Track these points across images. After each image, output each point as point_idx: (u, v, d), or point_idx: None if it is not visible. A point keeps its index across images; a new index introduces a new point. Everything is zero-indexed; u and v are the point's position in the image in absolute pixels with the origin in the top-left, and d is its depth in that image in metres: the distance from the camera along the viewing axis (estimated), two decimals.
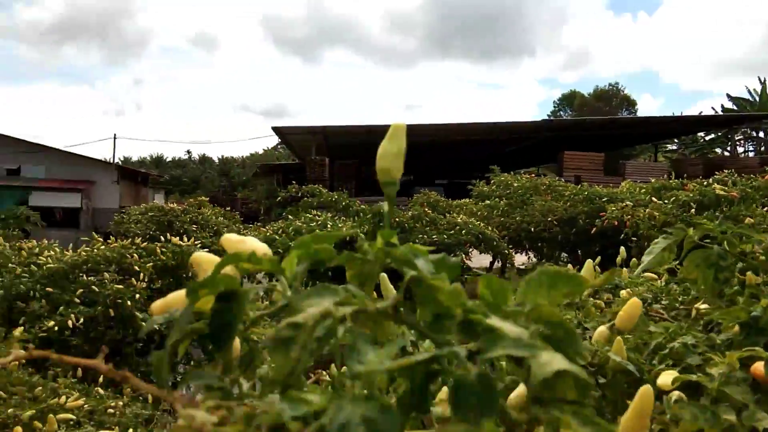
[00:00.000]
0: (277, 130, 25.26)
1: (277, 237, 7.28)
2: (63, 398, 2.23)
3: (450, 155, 27.90)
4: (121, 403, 2.71)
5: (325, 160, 23.85)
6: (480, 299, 0.46)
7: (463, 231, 7.45)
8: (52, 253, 4.86)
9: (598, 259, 1.87)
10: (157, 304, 0.55)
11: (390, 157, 0.53)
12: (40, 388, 2.19)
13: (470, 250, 7.61)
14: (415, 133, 24.04)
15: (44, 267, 4.53)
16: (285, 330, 0.37)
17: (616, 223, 7.32)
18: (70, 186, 24.87)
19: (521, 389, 0.55)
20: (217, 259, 0.57)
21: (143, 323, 4.46)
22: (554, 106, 51.96)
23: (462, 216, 8.42)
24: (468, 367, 0.35)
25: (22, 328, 3.06)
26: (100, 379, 3.13)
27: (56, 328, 4.08)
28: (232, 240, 0.59)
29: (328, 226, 7.41)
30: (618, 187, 10.59)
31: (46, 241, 5.64)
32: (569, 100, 50.38)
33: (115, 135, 43.64)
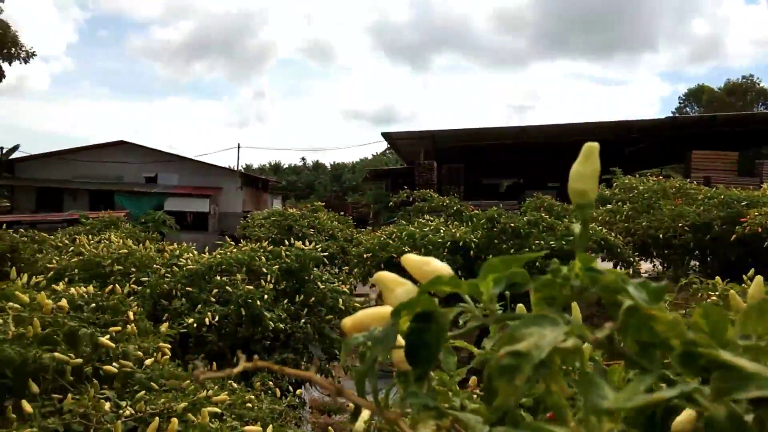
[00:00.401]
0: (386, 136, 25.72)
1: (390, 242, 7.40)
2: (209, 392, 2.40)
3: (563, 157, 26.86)
4: (253, 396, 2.87)
5: (433, 164, 23.88)
6: (694, 329, 0.44)
7: None
8: (191, 255, 5.28)
9: (752, 271, 1.71)
10: (349, 322, 0.57)
11: (585, 178, 0.51)
12: (189, 381, 2.38)
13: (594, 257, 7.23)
14: (526, 134, 23.40)
15: (184, 268, 4.93)
16: (508, 358, 0.38)
17: (759, 229, 6.65)
18: (199, 192, 26.96)
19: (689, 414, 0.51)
20: (399, 279, 0.59)
21: (270, 322, 4.71)
22: (679, 103, 48.29)
23: None
24: (714, 407, 0.33)
25: (167, 324, 3.34)
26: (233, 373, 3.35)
27: (195, 325, 4.43)
28: (414, 260, 0.60)
29: (441, 231, 7.40)
30: (757, 189, 9.62)
31: (183, 244, 6.15)
32: (696, 95, 46.57)
33: (239, 144, 46.62)
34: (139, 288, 4.68)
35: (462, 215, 9.32)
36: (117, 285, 3.38)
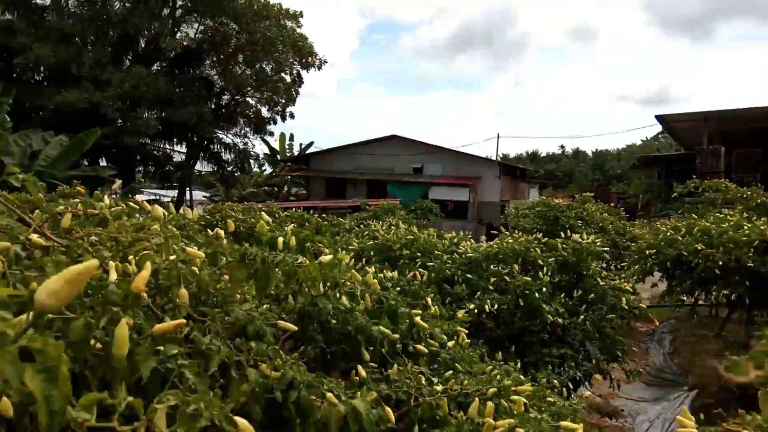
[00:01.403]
0: (660, 119, 23.12)
1: (678, 237, 6.62)
2: (509, 381, 2.43)
3: None
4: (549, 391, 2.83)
5: (720, 149, 20.67)
6: None
7: None
8: (469, 243, 5.48)
9: None
10: None
11: None
12: (495, 370, 2.45)
13: None
14: None
15: (464, 255, 5.14)
16: None
17: None
18: (460, 182, 28.01)
19: None
20: None
21: (549, 315, 4.62)
22: None
23: None
24: None
25: (462, 311, 3.50)
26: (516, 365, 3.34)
27: (475, 311, 4.58)
28: None
29: (745, 227, 6.34)
30: None
31: (452, 233, 6.43)
32: None
33: (498, 134, 47.16)
34: (425, 272, 5.02)
35: None
36: (416, 272, 3.65)
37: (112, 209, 2.08)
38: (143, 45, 24.33)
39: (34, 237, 1.38)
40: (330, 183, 30.64)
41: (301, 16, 25.44)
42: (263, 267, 1.96)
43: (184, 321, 0.91)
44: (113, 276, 1.16)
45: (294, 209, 8.83)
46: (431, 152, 29.57)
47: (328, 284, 2.26)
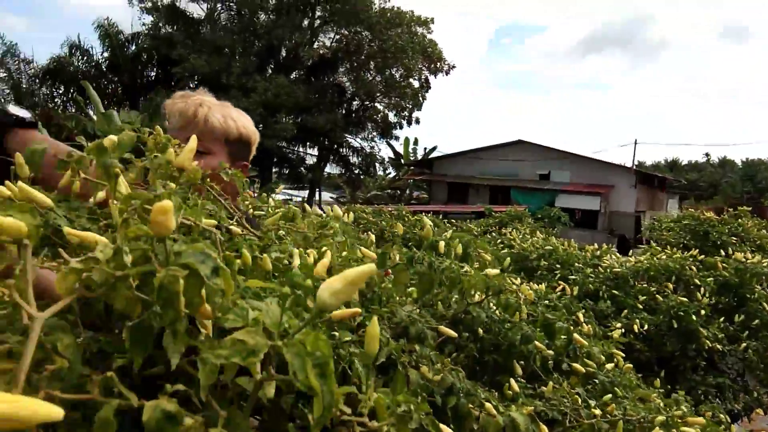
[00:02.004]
0: None
1: None
2: (681, 411, 2.27)
3: None
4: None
5: None
6: None
7: None
8: (613, 257, 5.20)
9: None
10: None
11: None
12: (659, 399, 2.30)
13: None
14: None
15: (609, 270, 4.88)
16: None
17: None
18: (590, 189, 26.66)
19: None
20: None
21: (707, 341, 4.26)
22: None
23: None
24: None
25: (618, 331, 3.33)
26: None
27: (622, 330, 4.32)
28: None
29: None
30: None
31: (593, 245, 6.11)
32: None
33: (635, 140, 44.23)
34: (565, 285, 4.84)
35: None
36: (563, 285, 3.53)
37: (280, 209, 2.23)
38: (284, 54, 25.94)
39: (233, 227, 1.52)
40: (452, 187, 30.58)
41: (432, 23, 25.69)
42: (429, 272, 2.00)
43: (359, 310, 0.96)
44: (296, 262, 1.24)
45: (423, 213, 8.92)
46: (559, 158, 28.44)
47: (490, 293, 2.25)
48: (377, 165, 32.16)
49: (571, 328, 2.50)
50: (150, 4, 25.25)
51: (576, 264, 5.31)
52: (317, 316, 0.63)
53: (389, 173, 37.26)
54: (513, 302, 2.47)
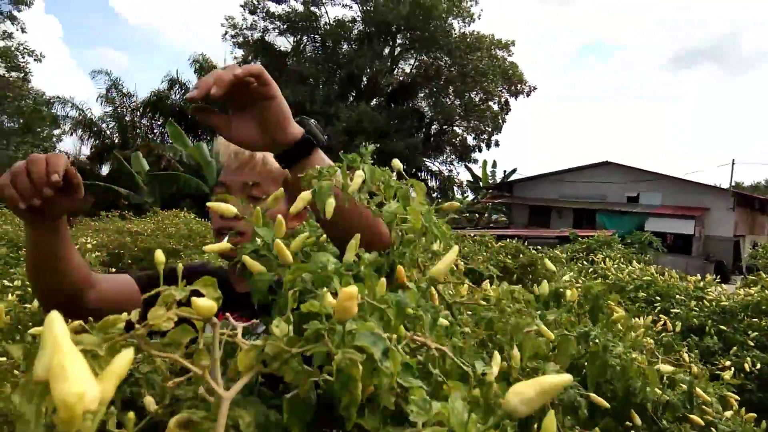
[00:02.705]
0: None
1: None
2: None
3: None
4: None
5: None
6: None
7: None
8: (720, 289, 4.86)
9: None
10: None
11: None
12: None
13: None
14: None
15: (714, 303, 4.56)
16: None
17: None
18: (683, 212, 25.16)
19: None
20: None
21: None
22: None
23: None
24: None
25: (729, 372, 3.09)
26: None
27: (731, 369, 4.01)
28: None
29: None
30: None
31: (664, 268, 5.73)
32: None
33: (732, 161, 41.36)
34: (666, 320, 4.56)
35: None
36: (665, 320, 3.34)
37: None
38: (365, 82, 26.61)
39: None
40: (533, 211, 29.82)
41: (513, 45, 25.51)
42: (603, 356, 1.82)
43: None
44: (495, 370, 1.18)
45: (507, 239, 8.74)
46: (649, 179, 27.09)
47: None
48: (455, 188, 32.01)
49: (694, 381, 2.34)
50: (242, 39, 26.77)
51: (677, 296, 5.01)
52: (503, 419, 0.60)
53: (467, 196, 36.95)
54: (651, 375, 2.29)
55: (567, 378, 0.52)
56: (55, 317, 0.41)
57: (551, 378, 0.52)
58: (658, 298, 4.93)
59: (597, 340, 1.58)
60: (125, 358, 0.43)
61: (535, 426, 1.18)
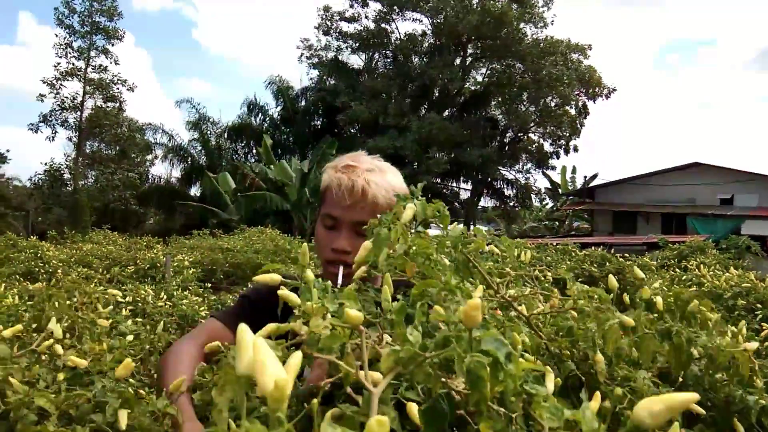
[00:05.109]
0: None
1: None
2: None
3: None
4: None
5: None
6: None
7: None
8: None
9: None
10: None
11: None
12: None
13: None
14: None
15: None
16: None
17: None
18: None
19: None
20: None
21: None
22: None
23: None
24: None
25: None
26: None
27: None
28: None
29: None
30: None
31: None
32: None
33: None
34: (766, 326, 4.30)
35: None
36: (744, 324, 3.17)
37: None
38: (437, 93, 26.73)
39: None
40: (618, 217, 28.59)
41: (590, 49, 24.80)
42: (687, 346, 1.82)
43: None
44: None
45: (593, 247, 8.49)
46: (744, 180, 25.34)
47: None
48: (533, 196, 31.32)
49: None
50: (317, 60, 27.70)
51: None
52: (631, 430, 0.66)
53: (546, 204, 36.02)
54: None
55: (694, 396, 0.57)
56: (244, 328, 0.52)
57: (679, 396, 0.57)
58: (759, 305, 4.63)
59: (680, 335, 1.57)
60: (297, 357, 0.53)
61: None
